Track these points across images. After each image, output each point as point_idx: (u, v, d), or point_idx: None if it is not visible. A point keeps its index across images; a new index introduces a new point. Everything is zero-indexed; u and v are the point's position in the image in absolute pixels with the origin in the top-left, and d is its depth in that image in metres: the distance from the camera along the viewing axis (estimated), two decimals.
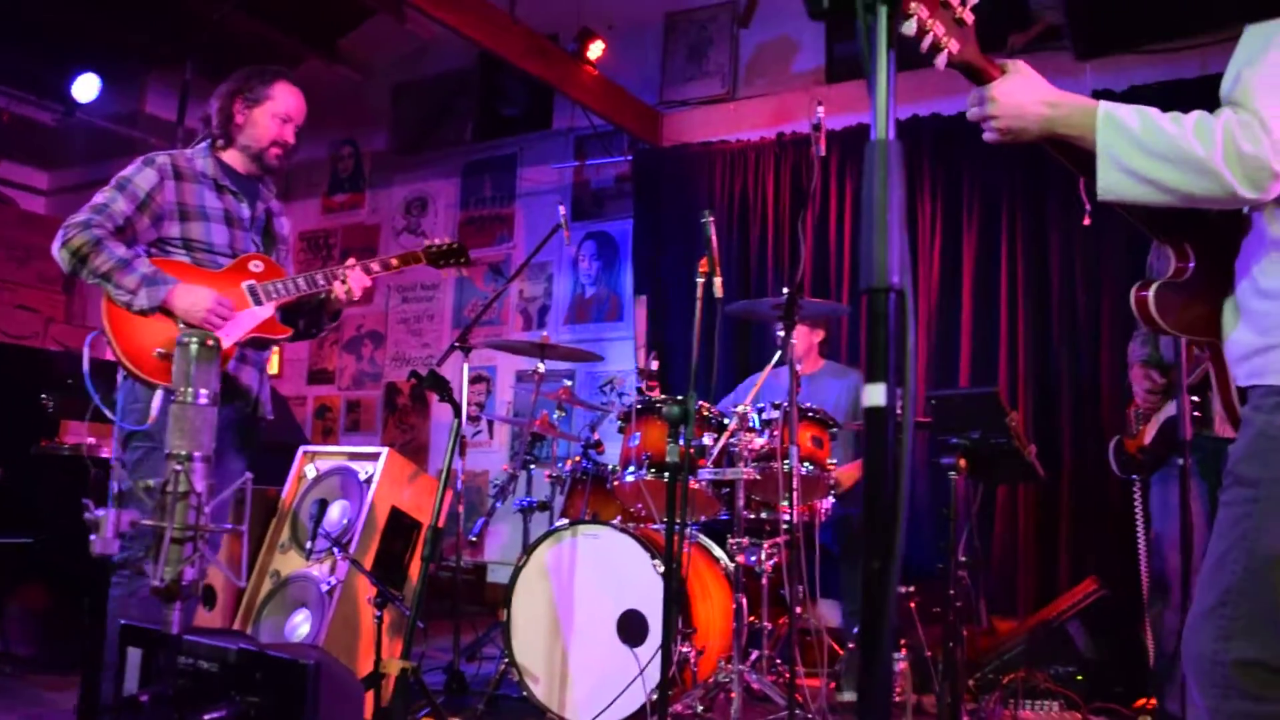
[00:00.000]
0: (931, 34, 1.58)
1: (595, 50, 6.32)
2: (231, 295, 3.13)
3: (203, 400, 2.00)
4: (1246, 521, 1.67)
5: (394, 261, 3.45)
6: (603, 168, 7.09)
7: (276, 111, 3.30)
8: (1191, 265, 1.89)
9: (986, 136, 1.83)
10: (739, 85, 6.65)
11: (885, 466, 0.83)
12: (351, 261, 3.35)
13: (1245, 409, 1.75)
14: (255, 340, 3.24)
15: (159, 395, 2.97)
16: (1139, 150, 1.66)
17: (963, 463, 3.24)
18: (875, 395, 0.84)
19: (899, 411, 0.87)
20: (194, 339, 2.05)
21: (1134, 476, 3.98)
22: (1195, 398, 3.72)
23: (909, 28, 1.51)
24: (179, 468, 1.89)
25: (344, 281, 3.29)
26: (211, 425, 2.02)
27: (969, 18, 1.64)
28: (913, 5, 1.48)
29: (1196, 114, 1.65)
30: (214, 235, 3.19)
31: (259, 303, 3.18)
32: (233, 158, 3.31)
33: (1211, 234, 1.87)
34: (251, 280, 3.20)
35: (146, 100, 8.43)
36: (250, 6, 7.12)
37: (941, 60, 1.63)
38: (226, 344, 3.08)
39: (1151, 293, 1.88)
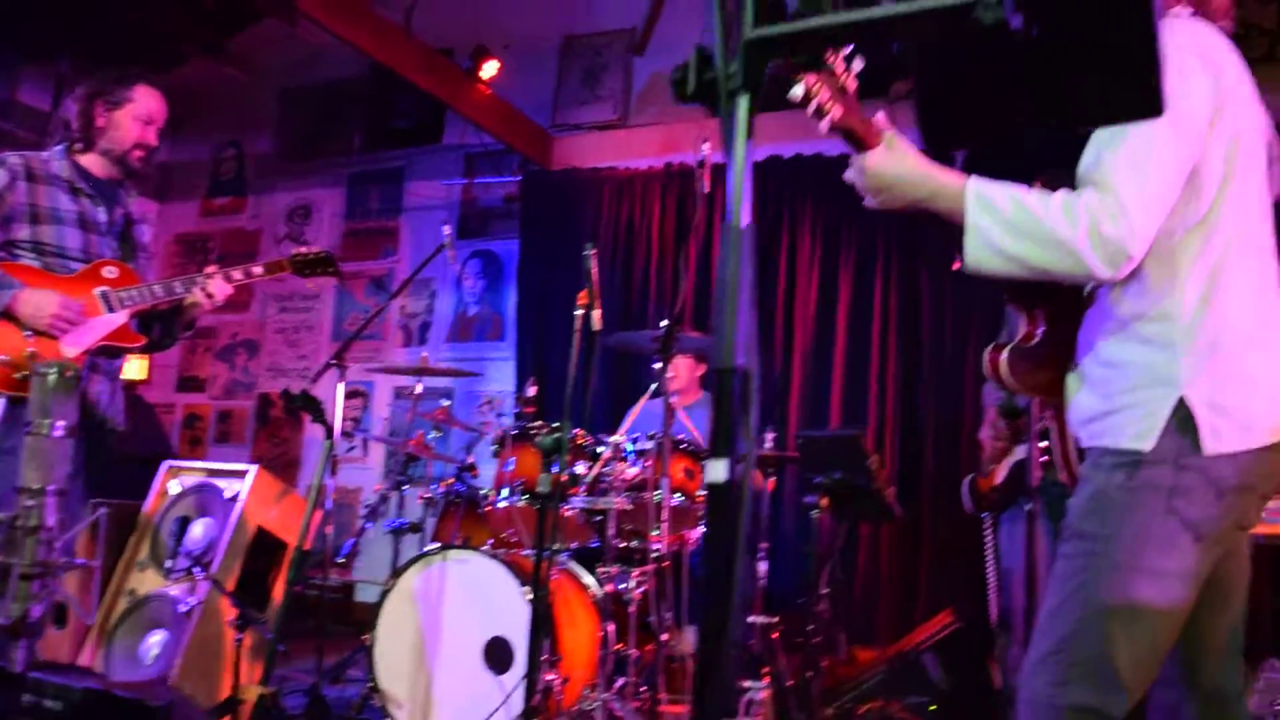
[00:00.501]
0: (817, 100, 1.64)
1: (489, 69, 6.31)
2: (83, 301, 3.05)
3: (58, 432, 1.95)
4: (1084, 574, 1.76)
5: (257, 270, 3.40)
6: (491, 186, 7.08)
7: (138, 114, 3.24)
8: (1040, 331, 2.00)
9: (865, 202, 1.89)
10: (631, 113, 6.72)
11: (724, 539, 0.87)
12: (212, 269, 3.30)
13: (1084, 466, 1.85)
14: (106, 349, 3.15)
15: (1, 404, 2.89)
16: (1007, 230, 1.73)
17: (824, 502, 3.35)
18: (716, 471, 0.88)
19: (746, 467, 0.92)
20: (52, 370, 2.00)
21: (985, 514, 4.15)
22: (1045, 443, 3.91)
23: (796, 92, 1.57)
24: (30, 503, 1.84)
25: (204, 289, 3.23)
26: (66, 458, 1.97)
27: (851, 85, 1.71)
28: (800, 73, 1.54)
29: (1061, 194, 1.74)
30: (66, 239, 3.11)
31: (111, 310, 3.11)
32: (92, 161, 3.25)
33: (1060, 302, 1.98)
34: (105, 286, 3.12)
35: (19, 90, 8.10)
36: (132, 1, 6.91)
37: (825, 125, 1.69)
38: (74, 352, 3.00)
39: (1004, 356, 1.99)
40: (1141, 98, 1.02)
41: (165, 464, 4.39)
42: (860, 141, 1.80)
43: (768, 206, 5.95)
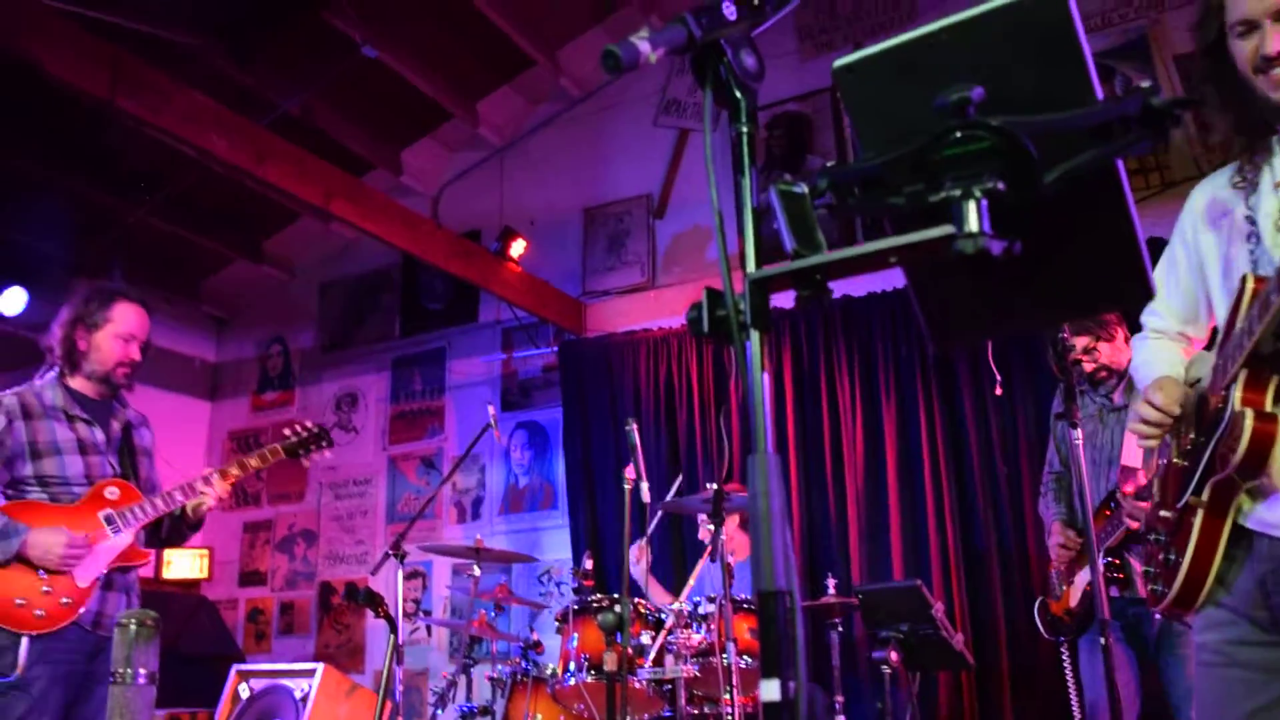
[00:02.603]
0: None
1: (517, 249, 6.53)
2: (89, 527, 3.17)
3: (141, 680, 2.02)
4: None
5: (252, 463, 3.51)
6: (529, 359, 7.23)
7: (119, 333, 3.37)
8: None
9: None
10: (658, 273, 6.89)
11: None
12: (208, 471, 3.41)
13: None
14: (119, 568, 3.26)
15: (25, 644, 2.99)
16: None
17: (894, 656, 3.30)
18: (770, 691, 0.92)
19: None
20: (133, 620, 2.08)
21: (1061, 638, 4.04)
22: (1113, 559, 3.83)
23: None
24: None
25: (202, 493, 3.35)
26: (150, 704, 2.04)
27: None
28: None
29: None
30: (68, 469, 3.24)
31: (117, 531, 3.21)
32: (81, 384, 3.38)
33: None
34: (109, 509, 3.23)
35: None
36: (173, 213, 7.27)
37: None
38: (87, 582, 3.12)
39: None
40: (1132, 284, 1.09)
41: (234, 669, 4.43)
42: None
43: (804, 353, 6.02)
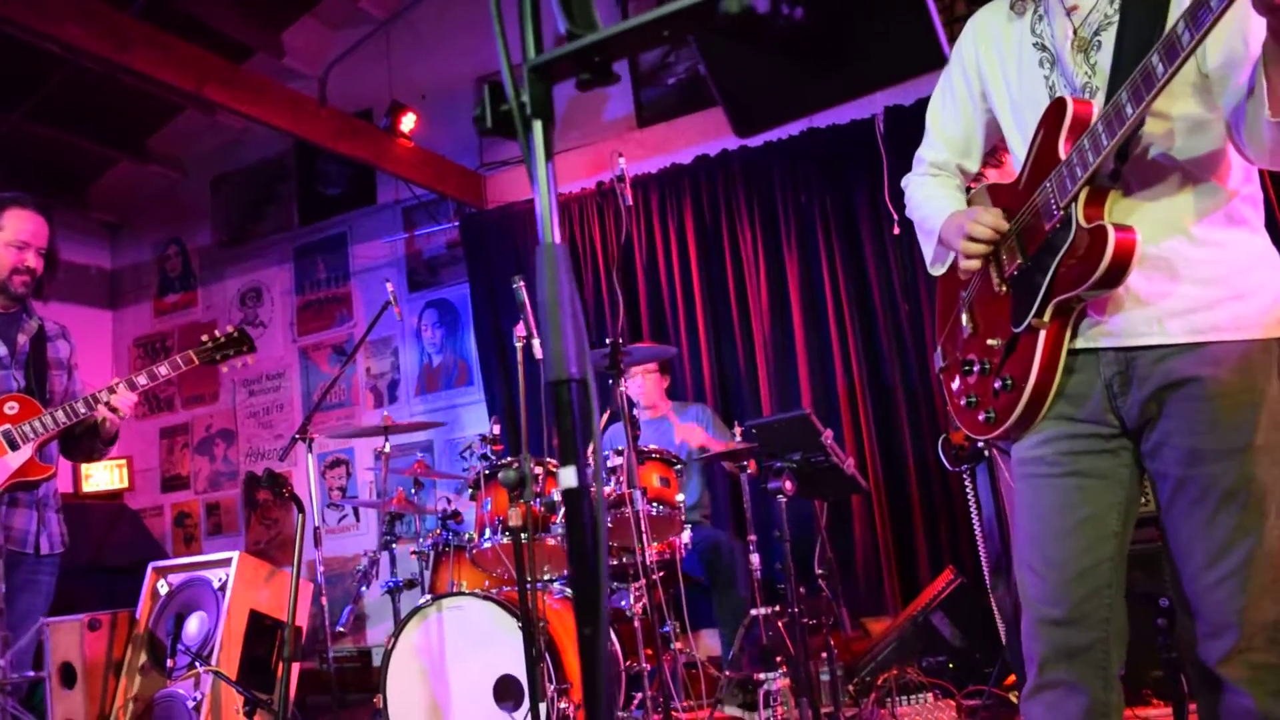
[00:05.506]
0: None
1: (408, 123, 6.35)
2: None
3: None
4: None
5: (162, 371, 3.38)
6: (433, 236, 7.11)
7: (9, 240, 3.29)
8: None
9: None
10: (555, 139, 6.74)
11: (586, 542, 0.91)
12: (116, 380, 3.33)
13: (1216, 368, 1.75)
14: (19, 484, 3.21)
15: None
16: None
17: (789, 485, 3.37)
18: (568, 478, 0.91)
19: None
20: None
21: (964, 467, 4.18)
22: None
23: None
24: None
25: (107, 404, 3.27)
26: None
27: None
28: None
29: None
30: None
31: (15, 447, 3.17)
32: None
33: None
34: (6, 424, 3.19)
35: None
36: (47, 115, 6.93)
37: None
38: None
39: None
40: (924, 49, 1.07)
41: (150, 566, 4.41)
42: None
43: (704, 207, 6.00)
